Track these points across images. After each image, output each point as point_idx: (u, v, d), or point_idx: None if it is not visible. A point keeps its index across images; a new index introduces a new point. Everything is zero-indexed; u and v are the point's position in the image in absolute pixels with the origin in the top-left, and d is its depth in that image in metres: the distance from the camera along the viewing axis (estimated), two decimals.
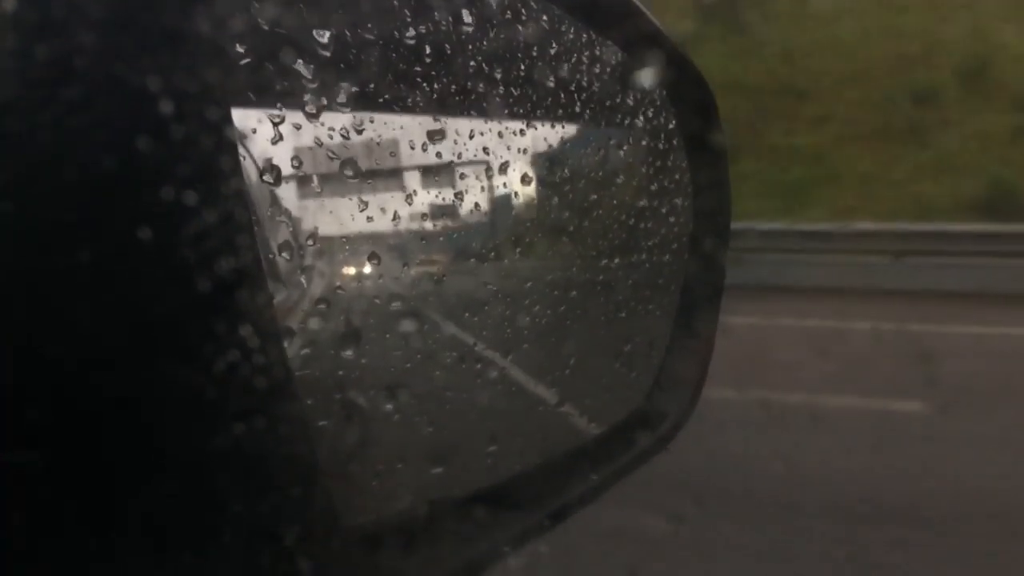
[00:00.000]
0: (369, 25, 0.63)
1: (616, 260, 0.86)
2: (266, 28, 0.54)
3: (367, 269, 0.66)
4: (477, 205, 0.75)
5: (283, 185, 0.61)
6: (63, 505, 0.39)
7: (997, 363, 6.27)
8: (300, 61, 0.57)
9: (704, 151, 0.83)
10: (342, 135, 0.62)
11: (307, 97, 0.58)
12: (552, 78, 0.77)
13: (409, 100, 0.67)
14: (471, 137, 0.73)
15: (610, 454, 0.75)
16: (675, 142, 0.87)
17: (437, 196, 0.72)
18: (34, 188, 0.38)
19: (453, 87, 0.70)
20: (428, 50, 0.66)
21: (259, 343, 0.42)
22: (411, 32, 0.65)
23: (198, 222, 0.40)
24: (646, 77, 0.84)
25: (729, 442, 4.12)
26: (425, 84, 0.67)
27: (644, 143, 0.88)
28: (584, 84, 0.81)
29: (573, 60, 0.79)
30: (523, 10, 0.74)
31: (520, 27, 0.74)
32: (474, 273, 0.76)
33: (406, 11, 0.65)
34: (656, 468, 0.75)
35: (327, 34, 0.58)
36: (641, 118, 0.87)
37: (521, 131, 0.77)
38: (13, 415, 0.38)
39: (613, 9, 0.75)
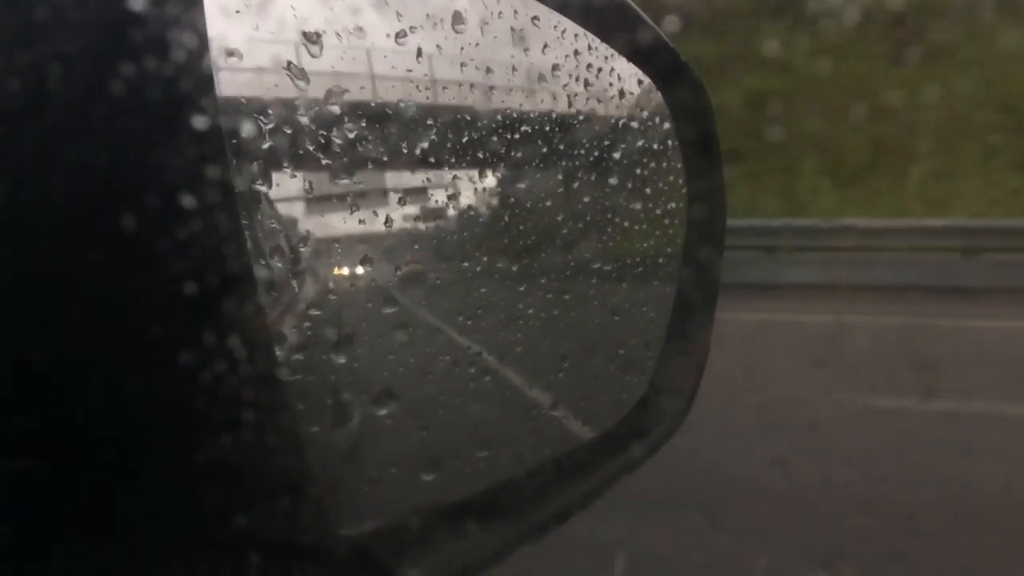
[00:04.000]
0: (360, 25, 0.62)
1: (611, 263, 0.86)
2: (257, 29, 0.54)
3: (359, 272, 0.66)
4: (470, 207, 0.74)
5: (274, 189, 0.61)
6: (50, 514, 0.39)
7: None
8: (291, 62, 0.57)
9: (700, 158, 0.83)
10: (334, 137, 0.61)
11: (298, 99, 0.58)
12: (546, 79, 0.77)
13: (401, 102, 0.67)
14: (464, 138, 0.72)
15: (604, 458, 0.75)
16: (670, 143, 0.87)
17: (429, 197, 0.71)
18: (19, 196, 0.38)
19: (445, 87, 0.70)
20: (421, 50, 0.66)
21: (247, 352, 0.42)
22: (404, 33, 0.64)
23: (185, 230, 0.40)
24: (642, 78, 0.83)
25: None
26: (415, 83, 0.67)
27: (639, 144, 0.88)
28: (580, 87, 0.80)
29: (570, 63, 0.78)
30: (517, 11, 0.74)
31: (515, 28, 0.74)
32: (467, 276, 0.75)
33: (398, 12, 0.64)
34: (649, 474, 0.75)
35: (317, 35, 0.58)
36: (636, 121, 0.87)
37: (515, 132, 0.76)
38: (1, 423, 0.38)
39: (614, 15, 0.75)
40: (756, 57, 13.06)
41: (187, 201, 0.40)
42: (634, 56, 0.79)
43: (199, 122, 0.40)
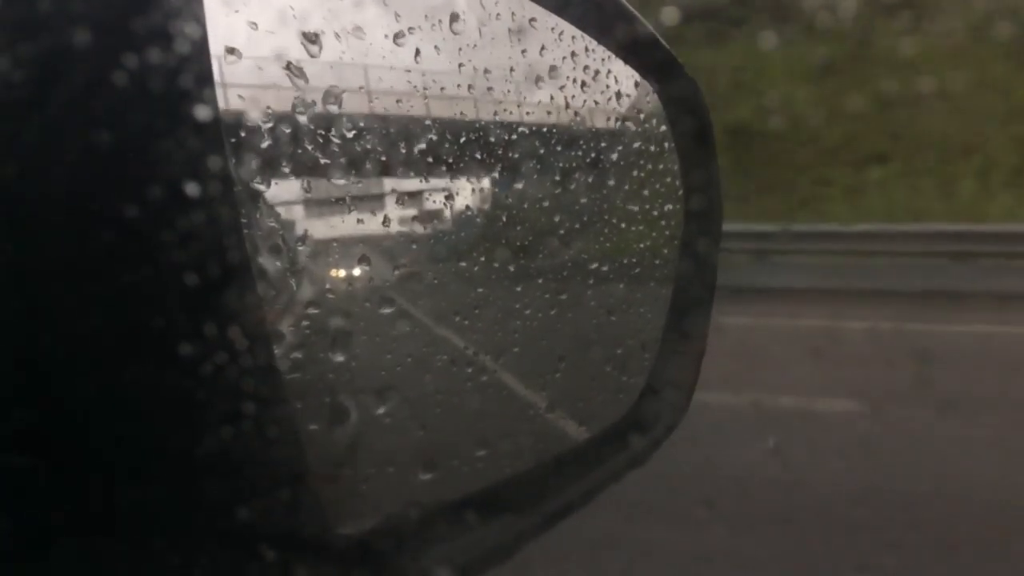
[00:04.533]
0: (359, 25, 0.62)
1: (607, 263, 0.86)
2: (256, 28, 0.54)
3: (357, 272, 0.66)
4: (467, 208, 0.75)
5: (273, 188, 0.61)
6: (50, 508, 0.39)
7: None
8: (290, 61, 0.57)
9: (696, 151, 0.84)
10: (333, 136, 0.62)
11: (296, 98, 0.58)
12: (544, 81, 0.77)
13: (398, 101, 0.67)
14: (461, 138, 0.73)
15: (601, 457, 0.75)
16: (667, 145, 0.87)
17: (427, 198, 0.71)
18: (21, 187, 0.38)
19: (442, 88, 0.70)
20: (419, 51, 0.66)
21: (247, 345, 0.42)
22: (403, 33, 0.64)
23: (186, 223, 0.40)
24: (639, 80, 0.84)
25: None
26: (413, 84, 0.67)
27: (636, 146, 0.89)
28: (578, 88, 0.81)
29: (567, 65, 0.79)
30: (515, 13, 0.74)
31: (513, 30, 0.74)
32: (464, 276, 0.75)
33: (396, 13, 0.64)
34: (648, 472, 0.75)
35: (316, 34, 0.58)
36: (632, 122, 0.87)
37: (512, 133, 0.76)
38: (3, 416, 0.38)
39: (607, 13, 0.75)
40: (881, 58, 12.65)
41: (188, 193, 0.40)
42: (628, 53, 0.80)
43: (200, 114, 0.41)
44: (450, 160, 0.72)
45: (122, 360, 0.40)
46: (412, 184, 0.70)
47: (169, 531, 0.42)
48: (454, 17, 0.69)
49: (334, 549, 0.48)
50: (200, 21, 0.43)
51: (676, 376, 0.82)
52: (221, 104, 0.46)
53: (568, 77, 0.80)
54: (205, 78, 0.42)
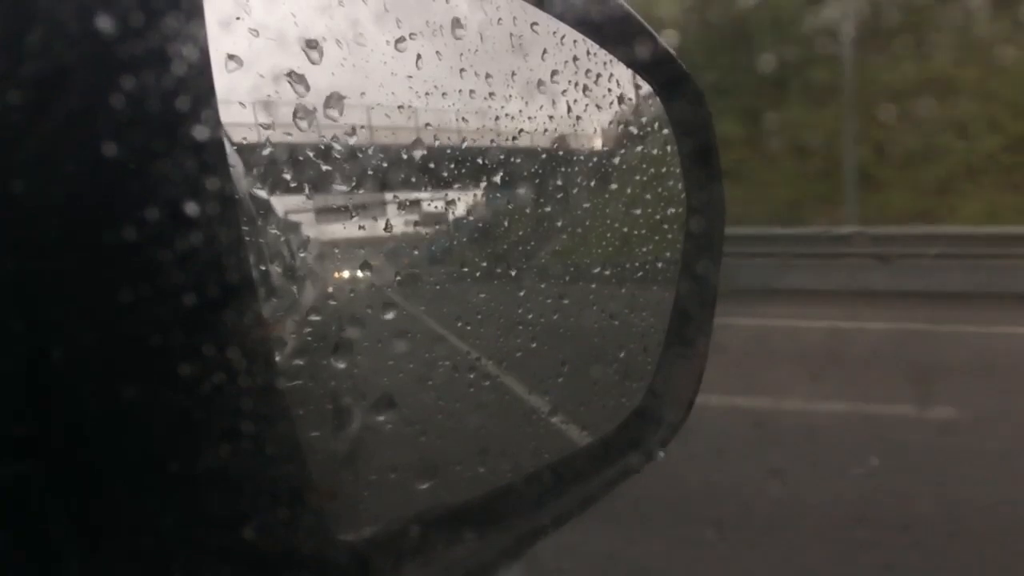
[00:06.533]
0: (361, 32, 0.62)
1: (610, 268, 0.86)
2: (257, 35, 0.54)
3: (359, 276, 0.66)
4: (469, 213, 0.75)
5: (275, 196, 0.61)
6: (47, 522, 0.39)
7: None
8: (292, 69, 0.57)
9: (699, 171, 0.83)
10: (334, 143, 0.62)
11: (298, 106, 0.58)
12: (545, 85, 0.77)
13: (401, 106, 0.67)
14: (463, 143, 0.73)
15: (602, 464, 0.75)
16: (669, 148, 0.87)
17: (429, 203, 0.71)
18: (19, 207, 0.38)
19: (444, 93, 0.70)
20: (421, 57, 0.66)
21: (247, 363, 0.42)
22: (404, 39, 0.64)
23: (185, 242, 0.40)
24: (640, 84, 0.83)
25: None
26: (415, 90, 0.67)
27: (638, 150, 0.88)
28: (579, 92, 0.80)
29: (569, 69, 0.79)
30: (516, 18, 0.74)
31: (514, 35, 0.74)
32: (466, 281, 0.75)
33: (397, 19, 0.64)
34: (645, 483, 0.75)
35: (317, 42, 0.58)
36: (635, 127, 0.87)
37: (514, 137, 0.76)
38: (2, 431, 0.38)
39: (618, 27, 0.75)
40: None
41: (187, 213, 0.40)
42: (636, 67, 0.79)
43: (199, 134, 0.41)
44: (452, 166, 0.72)
45: (122, 376, 0.40)
46: (414, 189, 0.70)
47: (170, 547, 0.42)
48: (455, 23, 0.68)
49: (333, 564, 0.48)
50: (200, 38, 0.43)
51: (677, 382, 0.81)
52: (222, 113, 0.46)
53: (570, 81, 0.80)
54: (205, 96, 0.42)
